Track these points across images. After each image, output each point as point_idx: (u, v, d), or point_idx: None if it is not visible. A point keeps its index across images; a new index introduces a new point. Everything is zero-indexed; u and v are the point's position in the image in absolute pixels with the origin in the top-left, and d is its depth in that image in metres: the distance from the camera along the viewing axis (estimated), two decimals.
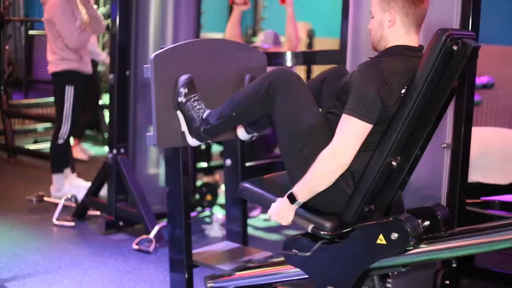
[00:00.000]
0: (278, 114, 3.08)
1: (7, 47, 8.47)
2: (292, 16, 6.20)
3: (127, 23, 4.97)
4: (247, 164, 4.61)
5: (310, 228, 2.96)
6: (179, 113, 3.37)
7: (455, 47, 2.75)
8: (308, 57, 5.80)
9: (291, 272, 3.24)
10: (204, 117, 3.31)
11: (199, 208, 5.54)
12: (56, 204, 5.41)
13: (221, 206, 5.53)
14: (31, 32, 9.71)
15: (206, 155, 6.30)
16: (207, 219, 5.39)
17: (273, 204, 3.06)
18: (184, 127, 3.38)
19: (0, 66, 7.94)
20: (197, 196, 5.56)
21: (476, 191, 4.15)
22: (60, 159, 5.91)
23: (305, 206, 2.98)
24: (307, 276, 3.08)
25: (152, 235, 4.66)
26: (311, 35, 8.87)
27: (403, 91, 2.85)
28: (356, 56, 3.96)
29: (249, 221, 5.18)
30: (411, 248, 2.80)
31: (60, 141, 5.82)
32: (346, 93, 2.90)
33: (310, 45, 8.85)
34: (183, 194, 3.49)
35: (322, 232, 2.93)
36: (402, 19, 2.92)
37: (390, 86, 2.83)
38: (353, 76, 2.90)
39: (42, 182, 6.29)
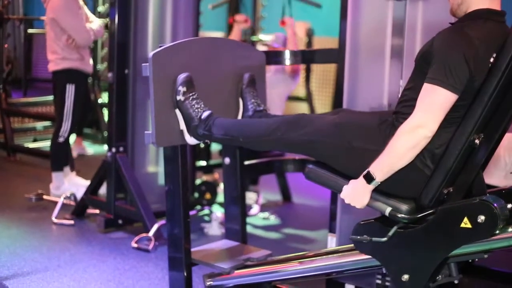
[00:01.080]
0: (301, 147, 3.03)
1: (6, 45, 8.47)
2: (292, 38, 6.20)
3: (126, 22, 4.98)
4: (246, 162, 4.62)
5: (388, 211, 2.76)
6: (177, 111, 3.37)
7: None
8: (307, 56, 5.80)
9: (290, 270, 3.25)
10: (203, 117, 3.31)
11: (198, 207, 5.54)
12: (55, 202, 5.41)
13: (220, 204, 5.53)
14: (30, 30, 9.71)
15: (205, 153, 6.31)
16: (206, 218, 5.39)
17: (345, 186, 2.86)
18: (182, 126, 3.38)
19: None
20: (196, 195, 5.57)
21: None
22: (60, 157, 5.92)
23: (377, 189, 2.78)
24: (309, 274, 3.03)
25: (151, 233, 4.67)
26: (310, 34, 8.88)
27: (491, 60, 2.66)
28: (355, 55, 3.95)
29: (248, 220, 5.20)
30: (498, 232, 2.59)
31: (61, 140, 5.83)
32: (427, 62, 2.71)
33: (309, 44, 8.86)
34: (182, 193, 3.49)
35: (399, 215, 2.74)
36: None
37: (477, 53, 2.63)
38: (435, 44, 2.72)
39: (41, 180, 6.29)
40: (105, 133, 7.74)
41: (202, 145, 6.16)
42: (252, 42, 7.56)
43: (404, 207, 2.74)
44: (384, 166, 2.72)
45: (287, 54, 4.91)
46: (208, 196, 5.59)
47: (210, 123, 3.28)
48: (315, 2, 6.76)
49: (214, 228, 5.04)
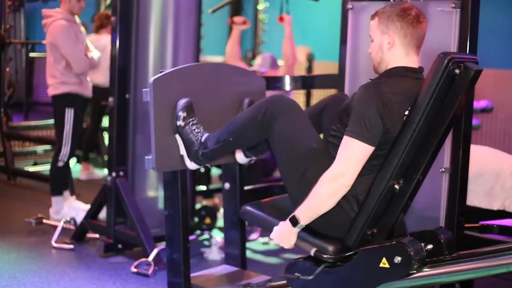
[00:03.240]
0: (276, 140, 3.09)
1: (7, 69, 8.49)
2: (289, 35, 6.23)
3: (127, 46, 5.00)
4: (246, 187, 4.62)
5: (312, 251, 2.95)
6: (177, 136, 3.38)
7: (457, 71, 2.77)
8: (307, 82, 5.82)
9: None
10: (202, 140, 3.32)
11: (198, 231, 5.53)
12: (55, 227, 5.40)
13: (220, 229, 5.52)
14: (31, 54, 9.75)
15: (205, 178, 6.31)
16: (206, 242, 5.38)
17: (275, 227, 3.05)
18: (182, 151, 3.39)
19: (0, 88, 7.96)
20: (196, 219, 5.56)
21: (474, 215, 4.15)
22: (60, 181, 5.91)
23: (307, 229, 2.97)
24: None
25: (151, 258, 4.65)
26: (310, 59, 8.92)
27: (406, 113, 2.85)
28: (354, 80, 3.97)
29: (248, 245, 5.18)
30: (414, 271, 2.80)
31: (60, 164, 5.83)
32: (348, 115, 2.90)
33: (309, 68, 8.89)
34: (181, 217, 3.49)
35: (324, 256, 2.92)
36: (401, 40, 2.94)
37: (391, 107, 2.83)
38: (354, 98, 2.91)
39: (41, 204, 6.28)
40: (105, 157, 7.74)
41: (202, 170, 6.16)
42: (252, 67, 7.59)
43: (330, 247, 2.94)
44: (308, 210, 2.92)
45: (287, 80, 4.93)
46: (208, 220, 5.58)
47: (206, 141, 3.31)
48: None
49: (214, 253, 5.02)
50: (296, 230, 2.97)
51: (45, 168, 7.67)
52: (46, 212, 5.84)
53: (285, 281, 3.46)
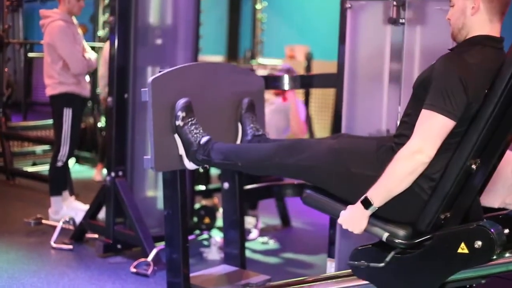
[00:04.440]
0: (299, 173, 3.07)
1: (6, 69, 8.49)
2: (295, 110, 6.20)
3: (126, 46, 4.99)
4: (245, 187, 4.62)
5: (385, 236, 2.78)
6: (176, 136, 3.38)
7: None
8: (305, 81, 5.82)
9: None
10: (202, 142, 3.32)
11: (197, 231, 5.53)
12: (54, 227, 5.39)
13: (219, 229, 5.52)
14: (30, 54, 9.74)
15: (204, 178, 6.30)
16: (205, 242, 5.38)
17: (343, 212, 2.87)
18: (181, 151, 3.39)
19: None
20: (195, 219, 5.56)
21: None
22: (59, 181, 5.91)
23: (374, 215, 2.80)
24: None
25: (150, 258, 4.65)
26: (309, 58, 8.91)
27: (487, 86, 2.69)
28: (353, 79, 3.97)
29: (247, 244, 5.17)
30: (496, 257, 2.62)
31: (59, 164, 5.83)
32: (425, 89, 2.73)
33: (308, 68, 8.89)
34: (180, 217, 3.49)
35: (397, 241, 2.75)
36: (486, 6, 2.78)
37: (475, 79, 2.66)
38: (434, 70, 2.74)
39: (40, 204, 6.28)
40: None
41: (201, 170, 6.15)
42: (252, 66, 7.59)
43: (401, 232, 2.76)
44: (382, 191, 2.74)
45: (285, 79, 4.92)
46: (207, 220, 5.57)
47: (209, 148, 3.29)
48: None
49: (213, 253, 5.02)
50: (369, 213, 2.78)
51: (44, 168, 7.66)
52: (45, 212, 5.84)
53: (284, 281, 3.46)
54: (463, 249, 2.61)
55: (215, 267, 4.07)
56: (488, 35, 2.80)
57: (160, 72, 3.39)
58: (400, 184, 2.71)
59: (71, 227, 5.41)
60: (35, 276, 4.50)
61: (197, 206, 5.68)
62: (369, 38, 3.91)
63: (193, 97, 3.41)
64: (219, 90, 3.60)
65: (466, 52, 2.76)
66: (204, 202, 5.97)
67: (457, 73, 2.65)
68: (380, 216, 2.80)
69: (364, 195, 2.78)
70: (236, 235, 3.98)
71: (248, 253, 4.88)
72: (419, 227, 2.77)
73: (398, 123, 3.00)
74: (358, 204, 2.80)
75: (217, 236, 5.21)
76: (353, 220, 2.83)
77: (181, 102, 3.35)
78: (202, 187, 6.13)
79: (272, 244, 5.47)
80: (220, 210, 5.26)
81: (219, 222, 5.52)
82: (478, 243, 2.58)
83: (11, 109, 9.12)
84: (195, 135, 3.34)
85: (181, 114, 3.34)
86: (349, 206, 2.86)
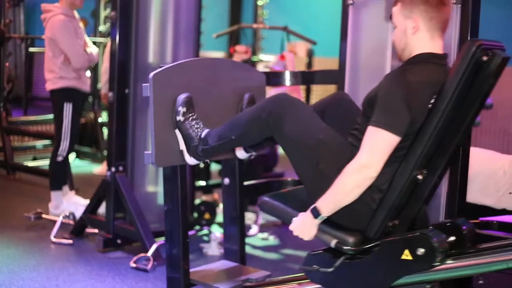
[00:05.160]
0: (285, 139, 3.05)
1: (7, 64, 8.49)
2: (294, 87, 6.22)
3: (127, 41, 4.99)
4: (246, 183, 4.62)
5: (333, 243, 2.90)
6: (177, 131, 3.38)
7: (485, 58, 2.69)
8: (307, 77, 5.82)
9: None
10: (202, 136, 3.32)
11: (197, 227, 5.53)
12: (54, 222, 5.40)
13: (220, 224, 5.52)
14: (31, 49, 9.74)
15: (204, 173, 6.30)
16: (205, 238, 5.38)
17: (295, 219, 3.00)
18: (182, 146, 3.39)
19: (0, 83, 7.96)
20: (196, 215, 5.56)
21: (474, 211, 4.15)
22: (59, 176, 5.91)
23: (327, 221, 2.91)
24: None
25: (150, 253, 4.65)
26: (310, 54, 8.91)
27: (431, 101, 2.79)
28: (354, 75, 3.97)
29: (247, 240, 5.18)
30: (438, 264, 2.74)
31: (59, 158, 5.83)
32: (372, 107, 2.84)
33: (309, 64, 8.89)
34: (181, 213, 3.49)
35: (345, 247, 2.87)
36: (426, 24, 2.87)
37: (417, 96, 2.76)
38: (379, 88, 2.85)
39: (40, 199, 6.28)
40: (105, 152, 7.75)
41: (201, 165, 6.16)
42: (253, 62, 7.58)
43: (350, 239, 2.88)
44: (330, 202, 2.87)
45: (287, 75, 4.92)
46: (207, 216, 5.58)
47: (207, 137, 3.30)
48: (311, 40, 6.82)
49: (213, 248, 5.02)
50: (318, 221, 2.91)
51: (44, 163, 7.67)
52: (45, 207, 5.84)
53: (284, 276, 3.46)
54: (407, 255, 2.75)
55: (215, 262, 4.07)
56: (430, 52, 2.90)
57: (161, 67, 3.38)
58: (347, 196, 2.82)
59: (71, 222, 5.41)
60: (35, 270, 4.50)
61: (197, 201, 5.69)
62: (370, 35, 3.91)
63: (194, 92, 3.41)
64: (220, 86, 3.60)
65: (408, 70, 2.85)
66: (204, 197, 5.98)
67: (400, 92, 2.75)
68: (332, 221, 2.93)
69: (313, 205, 2.91)
70: (236, 231, 3.98)
71: (248, 249, 4.88)
72: (368, 234, 2.89)
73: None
74: (308, 213, 2.93)
75: (217, 232, 5.21)
76: (304, 228, 2.97)
77: (182, 97, 3.35)
78: (202, 183, 6.14)
79: (272, 240, 5.47)
80: (220, 205, 5.26)
81: (219, 217, 5.52)
82: (421, 251, 2.73)
83: (12, 103, 9.12)
84: (196, 130, 3.33)
85: (181, 109, 3.34)
86: (301, 214, 2.98)
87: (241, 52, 6.33)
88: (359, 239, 2.88)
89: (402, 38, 2.94)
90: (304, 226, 2.95)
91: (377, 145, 2.76)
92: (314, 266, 2.98)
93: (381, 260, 2.82)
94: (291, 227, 3.01)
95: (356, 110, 3.23)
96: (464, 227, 2.90)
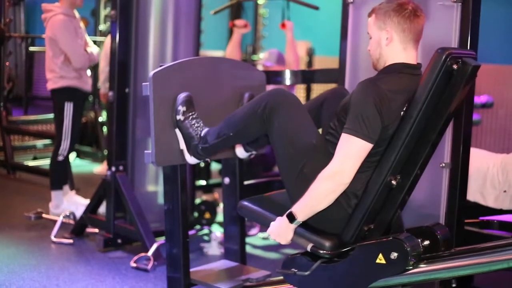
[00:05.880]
0: (275, 135, 3.08)
1: (7, 63, 8.49)
2: (291, 41, 6.23)
3: (127, 40, 4.99)
4: (246, 182, 4.61)
5: (309, 247, 2.95)
6: (177, 131, 3.37)
7: (455, 66, 2.76)
8: (307, 76, 5.81)
9: None
10: (202, 135, 3.31)
11: (197, 226, 5.53)
12: (54, 221, 5.40)
13: (220, 224, 5.52)
14: (31, 48, 9.74)
15: (205, 173, 6.30)
16: (206, 237, 5.38)
17: (272, 223, 3.04)
18: (182, 145, 3.39)
19: (0, 82, 7.96)
20: (196, 214, 5.55)
21: (474, 210, 4.15)
22: (60, 176, 5.91)
23: (304, 224, 2.97)
24: None
25: (150, 253, 4.65)
26: (310, 53, 8.90)
27: (404, 109, 2.85)
28: (355, 74, 3.97)
29: (248, 240, 5.17)
30: (411, 267, 2.80)
31: (60, 158, 5.82)
32: (346, 113, 2.89)
33: (310, 63, 8.88)
34: (181, 212, 3.48)
35: (321, 251, 2.92)
36: (399, 36, 2.93)
37: (389, 104, 2.82)
38: (352, 95, 2.90)
39: (41, 198, 6.28)
40: (105, 152, 7.74)
41: (202, 165, 6.15)
42: (253, 61, 7.58)
43: (326, 243, 2.93)
44: (305, 207, 2.92)
45: (287, 74, 4.91)
46: (207, 215, 5.57)
47: (206, 135, 3.30)
48: (312, 4, 6.78)
49: (213, 248, 5.02)
50: (293, 226, 2.96)
51: (44, 162, 7.67)
52: (46, 206, 5.84)
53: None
54: (380, 259, 2.81)
55: (215, 262, 4.06)
56: (403, 62, 2.95)
57: (161, 66, 3.38)
58: (322, 202, 2.87)
59: (72, 222, 5.41)
60: (35, 270, 4.50)
61: (197, 201, 5.68)
62: None
63: (194, 91, 3.41)
64: (220, 85, 3.60)
65: (381, 79, 2.91)
66: (205, 197, 5.98)
67: (372, 100, 2.80)
68: (309, 225, 2.97)
69: (289, 210, 2.95)
70: (236, 231, 3.98)
71: (248, 249, 4.88)
72: (344, 238, 2.94)
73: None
74: (284, 218, 2.97)
75: (217, 231, 5.21)
76: (280, 232, 3.01)
77: (182, 96, 3.35)
78: (202, 182, 6.13)
79: (272, 240, 5.45)
80: (221, 205, 5.26)
81: (220, 217, 5.52)
82: (394, 255, 2.78)
83: (12, 103, 9.12)
84: (196, 129, 3.33)
85: (181, 108, 3.33)
86: (278, 218, 3.02)
87: (240, 26, 6.30)
88: (335, 243, 2.93)
89: (377, 49, 3.00)
90: (280, 230, 3.00)
91: (350, 152, 2.81)
92: (292, 269, 3.03)
93: (356, 264, 2.88)
94: (268, 231, 3.07)
95: None
96: (439, 232, 2.95)
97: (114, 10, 4.95)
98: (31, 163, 8.07)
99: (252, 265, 4.09)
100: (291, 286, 3.16)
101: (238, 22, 6.40)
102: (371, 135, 2.80)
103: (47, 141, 8.28)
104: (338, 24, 4.07)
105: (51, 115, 7.15)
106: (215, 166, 7.04)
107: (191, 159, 3.41)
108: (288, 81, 5.11)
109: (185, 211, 3.52)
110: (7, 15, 8.34)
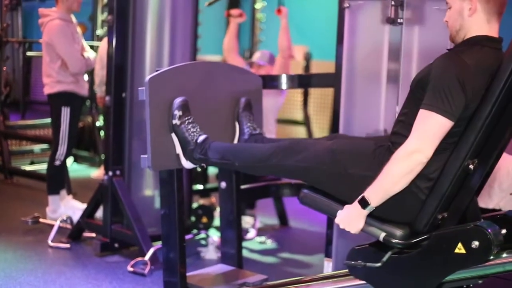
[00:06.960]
0: (296, 171, 3.05)
1: (4, 68, 8.49)
2: (285, 26, 6.25)
3: (124, 45, 4.99)
4: (242, 186, 4.61)
5: (382, 236, 2.77)
6: (173, 135, 3.38)
7: None
8: (303, 80, 5.82)
9: None
10: (199, 141, 3.31)
11: (194, 231, 5.53)
12: (51, 226, 5.39)
13: (217, 228, 5.52)
14: (29, 53, 9.73)
15: (202, 177, 6.30)
16: (203, 242, 5.37)
17: (339, 212, 2.87)
18: (178, 150, 3.39)
19: None
20: (193, 218, 5.55)
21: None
22: (57, 180, 5.91)
23: (371, 215, 2.79)
24: None
25: (147, 257, 4.65)
26: (307, 58, 8.91)
27: (485, 87, 2.69)
28: (351, 79, 3.97)
29: (244, 244, 5.18)
30: (493, 257, 2.60)
31: (57, 163, 5.82)
32: (423, 89, 2.73)
33: (307, 68, 8.89)
34: (177, 217, 3.49)
35: (394, 241, 2.75)
36: (484, 6, 2.77)
37: (473, 80, 2.66)
38: (432, 69, 2.73)
39: (38, 203, 6.27)
40: (102, 156, 7.74)
41: (199, 169, 6.15)
42: (246, 59, 7.59)
43: (398, 232, 2.75)
44: (379, 191, 2.73)
45: (284, 79, 4.92)
46: (204, 220, 5.57)
47: (206, 147, 3.29)
48: None
49: (210, 252, 5.02)
50: (366, 212, 2.77)
51: (42, 167, 7.66)
52: (43, 211, 5.84)
53: (281, 280, 3.46)
54: (460, 249, 2.60)
55: (212, 266, 4.07)
56: (487, 35, 2.80)
57: (157, 71, 3.38)
58: (397, 184, 2.70)
59: (69, 226, 5.41)
60: (32, 275, 4.49)
61: (194, 205, 5.68)
62: (367, 38, 3.90)
63: (190, 96, 3.41)
64: (216, 89, 3.60)
65: (464, 52, 2.75)
66: (202, 201, 5.97)
67: (455, 73, 2.64)
68: (377, 215, 2.80)
69: (362, 195, 2.77)
70: (233, 235, 3.98)
71: (245, 253, 4.88)
72: (417, 227, 2.76)
73: (395, 122, 2.99)
74: (355, 204, 2.80)
75: (214, 236, 5.21)
76: (350, 220, 2.83)
77: (178, 101, 3.35)
78: (199, 187, 6.13)
79: (269, 243, 5.46)
80: (218, 209, 5.26)
81: (217, 221, 5.52)
82: (475, 243, 2.57)
83: (10, 107, 9.10)
84: (192, 134, 3.33)
85: (178, 113, 3.34)
86: (346, 206, 2.85)
87: (235, 16, 6.32)
88: (408, 232, 2.75)
89: (458, 19, 2.83)
90: (351, 218, 2.82)
91: (429, 129, 2.64)
92: (359, 261, 2.85)
93: (432, 255, 2.67)
94: (337, 219, 2.88)
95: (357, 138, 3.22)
96: None
97: (111, 15, 4.95)
98: (29, 168, 8.06)
99: (249, 269, 4.09)
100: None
101: (233, 11, 6.43)
102: (453, 112, 2.62)
103: (45, 146, 8.28)
104: (335, 28, 4.07)
105: (48, 120, 7.13)
106: (212, 171, 7.04)
107: (187, 164, 3.42)
108: (284, 86, 5.12)
109: (182, 215, 3.52)
110: (5, 20, 8.35)
